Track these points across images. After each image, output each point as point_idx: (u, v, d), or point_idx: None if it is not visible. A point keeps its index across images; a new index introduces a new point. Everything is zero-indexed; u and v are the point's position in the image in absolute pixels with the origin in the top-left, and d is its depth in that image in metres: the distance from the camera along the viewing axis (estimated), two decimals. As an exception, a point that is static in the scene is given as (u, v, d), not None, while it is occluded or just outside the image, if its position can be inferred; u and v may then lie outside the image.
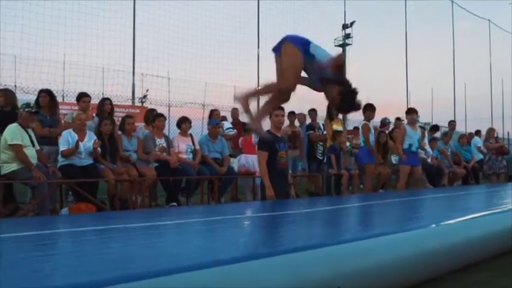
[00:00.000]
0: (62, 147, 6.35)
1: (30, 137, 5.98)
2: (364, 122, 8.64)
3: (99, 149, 6.55)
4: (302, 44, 3.90)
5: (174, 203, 6.99)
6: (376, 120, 14.49)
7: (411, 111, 9.00)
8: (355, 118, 18.17)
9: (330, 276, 2.52)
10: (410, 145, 8.63)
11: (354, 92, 3.89)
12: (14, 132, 5.79)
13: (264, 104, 4.26)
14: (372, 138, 8.54)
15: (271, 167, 5.66)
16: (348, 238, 3.05)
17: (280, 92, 4.06)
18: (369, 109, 8.53)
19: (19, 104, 6.64)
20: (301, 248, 2.58)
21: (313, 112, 10.14)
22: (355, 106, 3.97)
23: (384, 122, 11.72)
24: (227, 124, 9.37)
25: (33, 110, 6.07)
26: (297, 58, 3.87)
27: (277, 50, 4.00)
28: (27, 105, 6.19)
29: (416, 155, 8.89)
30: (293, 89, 4.02)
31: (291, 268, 2.38)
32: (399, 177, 8.87)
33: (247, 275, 2.20)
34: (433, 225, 3.66)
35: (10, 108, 6.57)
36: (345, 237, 3.20)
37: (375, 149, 8.73)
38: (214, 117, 8.89)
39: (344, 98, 3.86)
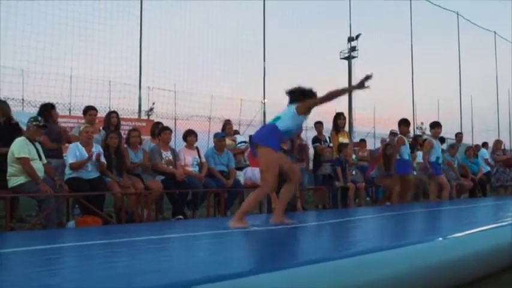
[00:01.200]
0: (71, 160, 6.36)
1: (37, 150, 5.99)
2: (400, 136, 8.96)
3: (104, 161, 6.57)
4: (272, 136, 4.18)
5: (181, 216, 6.98)
6: (384, 132, 14.50)
7: (436, 125, 9.16)
8: (362, 131, 18.29)
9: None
10: (437, 158, 8.88)
11: None
12: (21, 146, 5.81)
13: (280, 200, 4.55)
14: (406, 150, 8.78)
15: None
16: (353, 252, 3.04)
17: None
18: (404, 124, 8.93)
19: (25, 118, 6.62)
20: (308, 262, 2.58)
21: (319, 125, 10.14)
22: None
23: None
24: (240, 138, 9.36)
25: (41, 124, 6.09)
26: (272, 156, 4.17)
27: (254, 153, 4.37)
28: (35, 119, 6.18)
29: (440, 166, 9.10)
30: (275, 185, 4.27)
31: (298, 282, 2.37)
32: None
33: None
34: (440, 239, 3.64)
35: (5, 119, 6.47)
36: (350, 250, 3.18)
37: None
38: (227, 130, 8.91)
39: None
